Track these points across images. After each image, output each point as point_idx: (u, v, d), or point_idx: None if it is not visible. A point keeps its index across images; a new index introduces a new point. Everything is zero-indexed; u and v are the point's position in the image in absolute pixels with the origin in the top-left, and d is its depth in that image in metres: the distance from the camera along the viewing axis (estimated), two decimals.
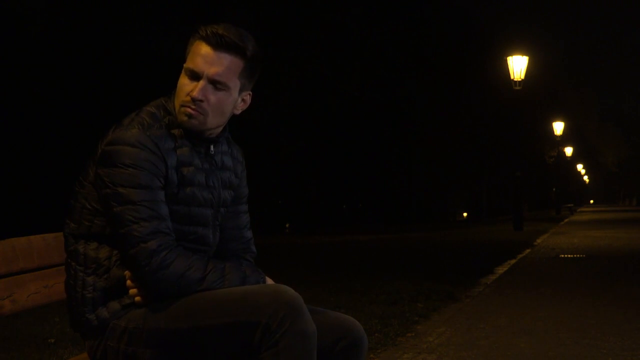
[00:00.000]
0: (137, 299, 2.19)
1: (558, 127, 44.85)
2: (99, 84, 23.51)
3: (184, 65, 2.27)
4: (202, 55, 2.24)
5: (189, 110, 2.24)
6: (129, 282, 2.20)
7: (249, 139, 24.23)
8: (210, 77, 2.24)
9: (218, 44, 2.23)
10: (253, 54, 2.28)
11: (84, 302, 2.23)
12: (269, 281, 2.29)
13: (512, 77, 22.46)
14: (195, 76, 2.24)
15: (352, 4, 30.32)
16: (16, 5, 21.05)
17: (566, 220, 34.35)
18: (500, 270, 10.45)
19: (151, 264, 2.12)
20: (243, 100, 2.36)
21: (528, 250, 14.32)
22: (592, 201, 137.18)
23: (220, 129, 2.35)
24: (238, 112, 2.37)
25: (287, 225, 34.55)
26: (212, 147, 2.35)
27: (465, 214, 51.66)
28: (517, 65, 22.38)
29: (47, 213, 17.93)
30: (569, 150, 58.95)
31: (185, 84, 2.26)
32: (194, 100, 2.23)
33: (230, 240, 2.47)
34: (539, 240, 17.60)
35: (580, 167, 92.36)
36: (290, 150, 29.88)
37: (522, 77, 22.35)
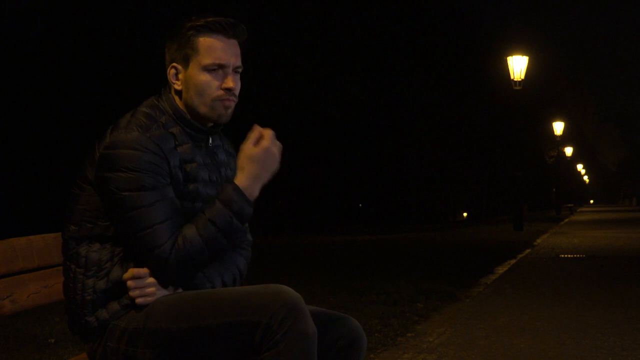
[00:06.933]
0: (138, 300, 2.19)
1: (558, 127, 44.83)
2: (99, 84, 23.51)
3: (201, 63, 2.28)
4: (221, 47, 2.29)
5: (227, 102, 2.30)
6: (129, 282, 2.20)
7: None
8: (234, 65, 2.31)
9: (232, 34, 2.31)
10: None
11: (83, 305, 2.23)
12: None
13: (512, 77, 22.45)
14: (220, 69, 2.29)
15: (353, 4, 30.32)
16: (15, 5, 21.04)
17: (566, 220, 34.34)
18: (500, 270, 10.45)
19: (170, 265, 2.16)
20: None
21: (528, 250, 14.32)
22: (592, 201, 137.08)
23: None
24: None
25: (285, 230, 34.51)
26: (210, 140, 2.37)
27: (465, 214, 51.62)
28: (517, 65, 22.37)
29: (47, 213, 17.92)
30: (569, 150, 58.93)
31: (209, 80, 2.29)
32: (230, 90, 2.29)
33: None
34: (539, 240, 17.60)
35: (580, 167, 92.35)
36: (290, 150, 29.86)
37: (522, 77, 22.34)
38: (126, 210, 2.15)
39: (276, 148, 2.28)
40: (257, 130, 2.28)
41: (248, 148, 2.26)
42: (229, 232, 2.21)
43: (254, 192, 2.26)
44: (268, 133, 2.28)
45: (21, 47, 22.53)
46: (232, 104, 2.32)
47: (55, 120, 23.58)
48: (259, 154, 2.25)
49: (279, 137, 2.31)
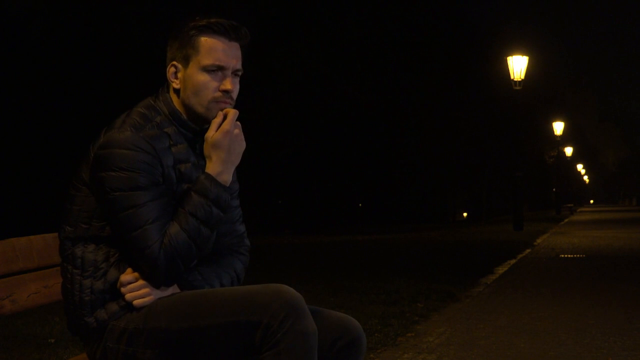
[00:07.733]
0: (136, 302, 2.19)
1: (558, 127, 44.85)
2: (99, 84, 23.51)
3: (201, 63, 2.27)
4: (222, 49, 2.29)
5: (223, 105, 2.30)
6: (122, 290, 2.20)
7: (249, 139, 24.19)
8: (234, 68, 2.31)
9: (234, 36, 2.31)
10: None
11: (82, 306, 2.23)
12: None
13: (512, 77, 22.45)
14: (220, 70, 2.28)
15: (353, 4, 30.31)
16: (15, 5, 21.04)
17: (566, 220, 34.34)
18: (500, 270, 10.45)
19: (159, 265, 2.15)
20: None
21: (528, 250, 14.32)
22: (592, 201, 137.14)
23: None
24: None
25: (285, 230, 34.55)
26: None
27: (465, 214, 51.63)
28: (517, 65, 22.37)
29: (47, 213, 17.92)
30: (569, 150, 58.94)
31: (208, 81, 2.28)
32: (227, 93, 2.29)
33: (224, 234, 2.47)
34: (539, 240, 17.60)
35: (580, 167, 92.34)
36: (290, 150, 29.87)
37: (522, 77, 22.34)
38: (119, 211, 2.15)
39: (238, 129, 2.29)
40: (219, 116, 2.29)
41: (209, 135, 2.26)
42: (210, 222, 2.22)
43: (225, 177, 2.27)
44: (230, 115, 2.28)
45: (20, 47, 22.52)
46: (228, 107, 2.31)
47: (56, 120, 23.58)
48: (220, 139, 2.25)
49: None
